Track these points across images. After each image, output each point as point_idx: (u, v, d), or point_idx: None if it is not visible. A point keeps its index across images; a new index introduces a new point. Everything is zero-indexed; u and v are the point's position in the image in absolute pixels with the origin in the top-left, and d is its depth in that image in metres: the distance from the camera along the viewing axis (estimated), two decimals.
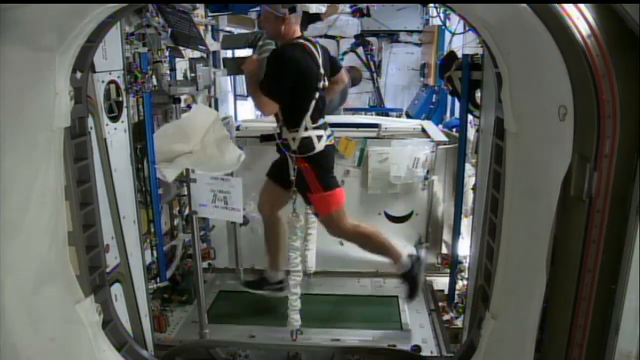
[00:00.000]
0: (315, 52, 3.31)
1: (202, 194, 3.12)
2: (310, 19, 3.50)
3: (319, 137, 3.33)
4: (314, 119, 3.31)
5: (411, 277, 3.60)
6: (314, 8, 3.38)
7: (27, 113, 2.12)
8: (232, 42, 4.75)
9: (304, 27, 3.41)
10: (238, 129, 4.50)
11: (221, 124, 3.56)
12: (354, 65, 6.85)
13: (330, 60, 3.56)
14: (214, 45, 4.40)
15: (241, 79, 5.58)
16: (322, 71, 3.33)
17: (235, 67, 4.65)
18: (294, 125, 3.28)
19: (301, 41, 3.30)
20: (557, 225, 1.84)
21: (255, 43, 4.55)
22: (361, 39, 7.13)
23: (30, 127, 2.14)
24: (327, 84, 3.41)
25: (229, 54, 5.16)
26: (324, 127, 3.40)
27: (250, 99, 5.20)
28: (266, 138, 3.67)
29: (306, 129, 3.29)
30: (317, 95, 3.30)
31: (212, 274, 4.47)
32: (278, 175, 3.58)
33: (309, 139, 3.30)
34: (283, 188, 3.49)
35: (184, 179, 3.29)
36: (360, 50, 7.21)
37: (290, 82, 3.18)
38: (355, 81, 5.58)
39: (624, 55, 1.58)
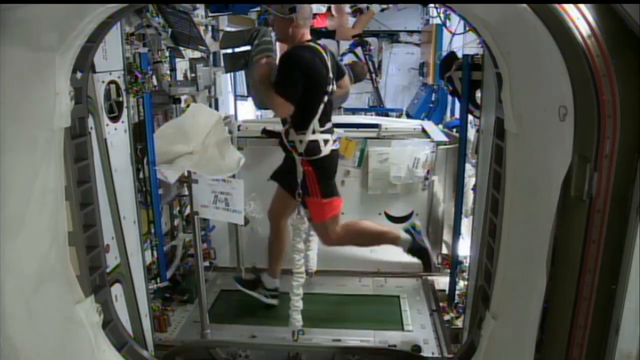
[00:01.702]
0: (325, 56, 3.33)
1: (203, 195, 3.12)
2: (322, 35, 3.53)
3: (325, 141, 3.35)
4: (322, 122, 3.33)
5: (418, 248, 3.66)
6: (314, 8, 3.40)
7: (27, 113, 2.12)
8: (229, 41, 4.74)
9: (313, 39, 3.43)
10: (238, 128, 4.49)
11: (223, 125, 3.57)
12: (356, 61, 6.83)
13: (337, 64, 3.58)
14: (213, 45, 4.40)
15: (241, 78, 5.57)
16: (330, 75, 3.35)
17: (234, 63, 4.64)
18: (301, 128, 3.29)
19: (311, 44, 3.30)
20: (557, 225, 1.84)
21: (252, 40, 4.55)
22: (359, 39, 7.13)
23: (30, 127, 2.14)
24: (335, 87, 3.43)
25: (228, 50, 5.15)
26: (330, 131, 3.42)
27: (250, 99, 5.19)
28: (270, 134, 3.65)
29: (313, 132, 3.30)
30: (326, 98, 3.31)
31: (213, 272, 4.48)
32: (284, 180, 3.59)
33: (316, 142, 3.31)
34: (290, 193, 3.50)
35: (185, 179, 3.29)
36: (359, 50, 7.21)
37: (302, 82, 3.17)
38: (360, 76, 5.53)
39: (624, 55, 1.58)
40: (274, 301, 3.85)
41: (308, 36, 3.34)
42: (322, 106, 3.30)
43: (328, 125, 3.40)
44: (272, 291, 3.84)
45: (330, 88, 3.36)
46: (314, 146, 3.31)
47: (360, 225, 3.68)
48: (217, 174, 3.18)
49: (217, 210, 3.12)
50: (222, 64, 4.54)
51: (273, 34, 4.30)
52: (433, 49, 6.09)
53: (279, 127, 3.65)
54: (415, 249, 3.68)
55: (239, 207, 3.06)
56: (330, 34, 6.22)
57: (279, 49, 5.26)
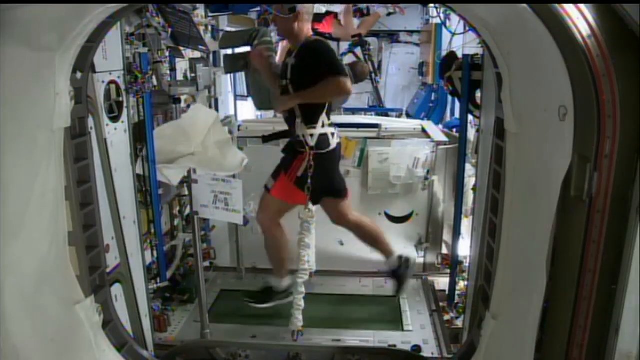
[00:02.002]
0: None
1: (203, 195, 3.12)
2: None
3: (333, 134, 3.38)
4: (328, 116, 3.37)
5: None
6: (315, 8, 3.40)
7: (27, 113, 2.12)
8: (229, 41, 4.75)
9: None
10: (239, 128, 4.50)
11: (221, 125, 3.57)
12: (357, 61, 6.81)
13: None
14: (213, 45, 4.40)
15: (241, 79, 5.57)
16: None
17: (234, 64, 4.66)
18: (311, 121, 3.29)
19: (319, 37, 3.33)
20: (557, 225, 1.84)
21: (252, 40, 4.56)
22: (358, 40, 7.12)
23: (30, 127, 2.14)
24: None
25: (228, 51, 5.16)
26: (333, 124, 3.45)
27: (250, 99, 5.18)
28: (271, 137, 3.64)
29: (323, 125, 3.32)
30: None
31: (213, 272, 4.48)
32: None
33: (325, 135, 3.34)
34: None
35: (185, 179, 3.30)
36: (359, 50, 7.19)
37: None
38: (361, 76, 5.48)
39: (624, 55, 1.58)
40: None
41: (311, 32, 3.35)
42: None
43: (331, 119, 3.44)
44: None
45: None
46: (324, 139, 3.33)
47: (283, 240, 3.61)
48: (219, 172, 3.19)
49: (217, 210, 3.12)
50: (222, 64, 4.55)
51: (273, 34, 4.30)
52: (433, 49, 6.08)
53: (278, 128, 3.66)
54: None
55: (239, 207, 3.06)
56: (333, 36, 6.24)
57: (280, 49, 5.26)
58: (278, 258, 3.70)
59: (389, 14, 6.77)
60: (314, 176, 3.26)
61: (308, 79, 3.18)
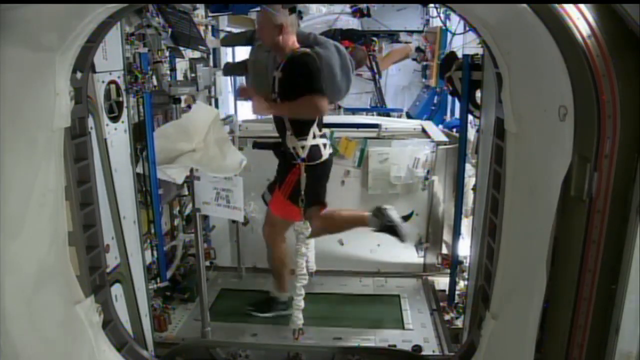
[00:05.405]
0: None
1: (205, 192, 3.15)
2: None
3: (324, 145, 3.38)
4: (319, 127, 3.35)
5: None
6: (313, 8, 3.38)
7: (27, 113, 2.12)
8: (230, 41, 4.77)
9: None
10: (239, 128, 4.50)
11: (221, 123, 3.57)
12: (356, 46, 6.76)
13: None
14: (213, 42, 4.40)
15: (241, 80, 5.57)
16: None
17: (233, 70, 4.69)
18: (302, 133, 3.28)
19: (307, 50, 3.30)
20: (557, 225, 1.84)
21: (252, 39, 4.56)
22: (363, 39, 7.08)
23: (30, 127, 2.14)
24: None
25: (228, 53, 5.17)
26: (325, 135, 3.45)
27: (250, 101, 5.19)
28: (262, 146, 3.65)
29: (314, 137, 3.31)
30: None
31: (214, 272, 4.49)
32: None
33: (317, 146, 3.33)
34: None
35: (187, 179, 3.31)
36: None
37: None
38: (362, 61, 5.49)
39: (624, 55, 1.58)
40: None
41: (297, 43, 3.32)
42: None
43: (323, 130, 3.44)
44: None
45: None
46: (315, 150, 3.32)
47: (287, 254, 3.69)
48: (218, 173, 3.19)
49: (218, 207, 3.15)
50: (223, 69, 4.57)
51: None
52: (437, 51, 6.07)
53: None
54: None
55: (240, 204, 3.08)
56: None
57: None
58: (280, 272, 3.77)
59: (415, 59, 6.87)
60: (306, 188, 3.27)
61: (292, 93, 3.19)
